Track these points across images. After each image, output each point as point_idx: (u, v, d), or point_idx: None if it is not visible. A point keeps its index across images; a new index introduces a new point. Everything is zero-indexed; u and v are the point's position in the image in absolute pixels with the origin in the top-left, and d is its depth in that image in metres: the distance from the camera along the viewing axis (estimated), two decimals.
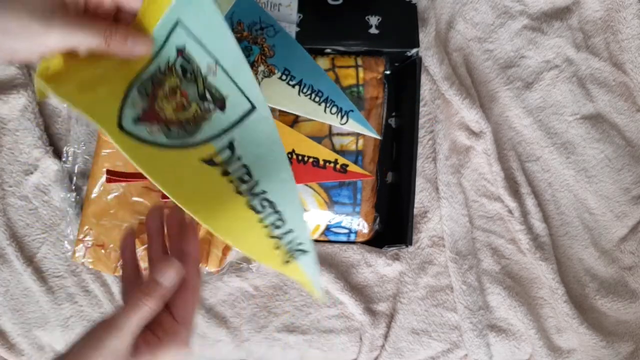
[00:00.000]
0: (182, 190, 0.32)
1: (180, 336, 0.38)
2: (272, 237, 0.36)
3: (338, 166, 0.64)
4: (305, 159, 0.64)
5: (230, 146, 0.34)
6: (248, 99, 0.34)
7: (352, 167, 0.64)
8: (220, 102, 0.34)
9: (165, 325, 0.38)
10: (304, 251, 0.37)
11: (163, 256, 0.38)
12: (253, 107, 0.34)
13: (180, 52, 0.33)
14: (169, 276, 0.37)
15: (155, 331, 0.38)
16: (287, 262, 0.37)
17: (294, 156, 0.63)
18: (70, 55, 0.31)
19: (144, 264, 0.61)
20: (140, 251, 0.61)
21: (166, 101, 0.33)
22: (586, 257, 0.71)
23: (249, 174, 0.34)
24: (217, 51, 0.32)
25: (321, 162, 0.64)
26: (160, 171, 0.31)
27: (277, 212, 0.35)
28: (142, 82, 0.32)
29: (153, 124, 0.33)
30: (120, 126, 0.31)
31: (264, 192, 0.35)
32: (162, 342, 0.37)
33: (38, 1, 0.31)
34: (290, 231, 0.36)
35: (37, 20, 0.30)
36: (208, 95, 0.34)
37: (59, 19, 0.31)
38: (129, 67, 0.32)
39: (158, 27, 0.31)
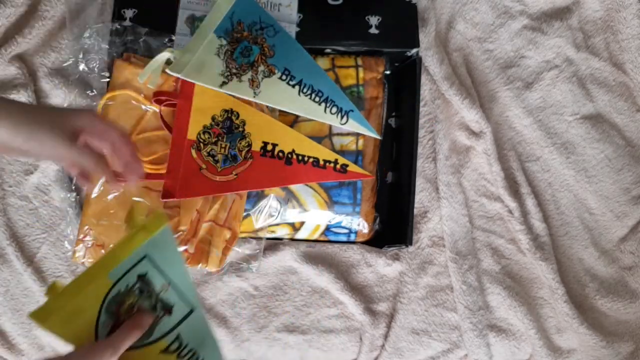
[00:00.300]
0: None
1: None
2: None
3: (338, 166, 0.64)
4: (306, 159, 0.63)
5: (178, 338, 0.45)
6: (190, 304, 0.46)
7: (352, 167, 0.64)
8: (168, 310, 0.45)
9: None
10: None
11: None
12: (192, 310, 0.46)
13: (141, 277, 0.43)
14: (147, 322, 0.43)
15: None
16: None
17: (294, 156, 0.63)
18: (54, 291, 0.40)
19: None
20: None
21: (126, 316, 0.43)
22: (586, 257, 0.71)
23: (195, 353, 0.47)
24: (171, 274, 0.43)
25: (321, 162, 0.64)
26: None
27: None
28: (107, 304, 0.41)
29: None
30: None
31: None
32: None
33: (64, 132, 0.45)
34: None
35: (62, 141, 0.45)
36: (159, 306, 0.44)
37: (71, 144, 0.45)
38: (97, 295, 0.41)
39: (126, 260, 0.41)
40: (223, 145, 0.62)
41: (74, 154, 0.46)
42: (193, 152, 0.61)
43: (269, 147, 0.63)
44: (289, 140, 0.64)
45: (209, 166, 0.61)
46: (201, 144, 0.62)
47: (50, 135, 0.44)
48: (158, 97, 0.61)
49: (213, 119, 0.63)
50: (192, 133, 0.62)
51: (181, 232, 0.61)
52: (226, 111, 0.63)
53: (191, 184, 0.60)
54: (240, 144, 0.63)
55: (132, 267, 0.42)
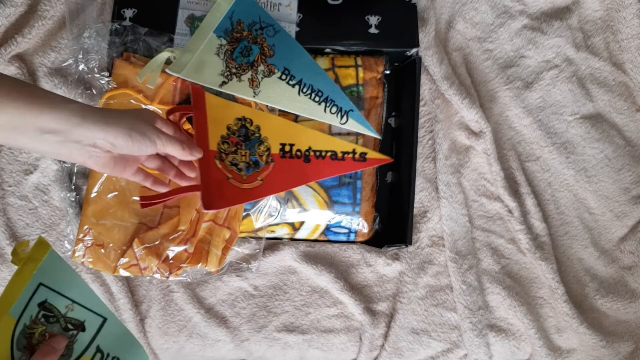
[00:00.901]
0: None
1: None
2: None
3: (357, 156, 0.65)
4: (324, 154, 0.64)
5: (99, 350, 0.46)
6: (101, 316, 0.47)
7: (372, 154, 0.65)
8: (81, 327, 0.45)
9: None
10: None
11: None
12: (105, 320, 0.47)
13: (42, 305, 0.43)
14: (63, 344, 0.42)
15: None
16: None
17: (312, 153, 0.64)
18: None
19: (143, 264, 0.61)
20: (140, 251, 0.61)
21: (40, 346, 0.42)
22: (586, 257, 0.71)
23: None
24: (72, 294, 0.44)
25: (339, 155, 0.65)
26: None
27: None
28: (17, 342, 0.41)
29: None
30: None
31: None
32: None
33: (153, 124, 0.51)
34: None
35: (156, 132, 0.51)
36: (70, 326, 0.45)
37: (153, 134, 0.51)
38: (3, 336, 0.41)
39: (22, 294, 0.41)
40: (243, 154, 0.62)
41: (166, 142, 0.50)
42: (217, 163, 0.61)
43: (287, 148, 0.64)
44: (305, 138, 0.64)
45: (235, 175, 0.61)
46: (223, 155, 0.61)
47: (149, 128, 0.49)
48: (173, 112, 0.59)
49: (229, 129, 0.63)
50: (212, 144, 0.61)
51: (181, 232, 0.61)
52: (239, 120, 0.63)
53: (224, 194, 0.60)
54: (260, 149, 0.63)
55: (30, 299, 0.42)
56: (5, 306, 0.41)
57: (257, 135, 0.63)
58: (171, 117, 0.58)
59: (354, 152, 0.65)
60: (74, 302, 0.45)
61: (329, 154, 0.64)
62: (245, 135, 0.63)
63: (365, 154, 0.65)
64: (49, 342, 0.42)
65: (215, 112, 0.62)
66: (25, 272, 0.42)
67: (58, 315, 0.44)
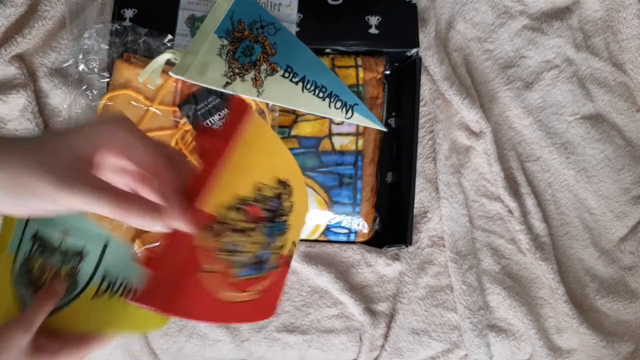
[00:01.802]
0: (89, 322, 0.41)
1: (79, 345, 0.39)
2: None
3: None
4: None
5: (106, 276, 0.42)
6: (100, 239, 0.42)
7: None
8: (80, 255, 0.41)
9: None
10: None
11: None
12: (105, 244, 0.42)
13: (34, 237, 0.40)
14: (62, 287, 0.40)
15: (53, 336, 0.39)
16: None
17: (289, 255, 0.42)
18: None
19: None
20: (141, 252, 0.61)
21: (42, 280, 0.40)
22: (586, 257, 0.71)
23: (128, 282, 0.42)
24: (64, 221, 0.40)
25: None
26: (74, 322, 0.41)
27: None
28: (16, 279, 0.40)
29: None
30: None
31: None
32: (63, 349, 0.38)
33: (62, 167, 0.30)
34: None
35: (60, 186, 0.29)
36: (69, 256, 0.41)
37: (81, 186, 0.30)
38: (3, 275, 0.39)
39: (15, 230, 0.39)
40: (255, 241, 0.37)
41: (85, 201, 0.30)
42: (200, 236, 0.34)
43: (293, 250, 0.42)
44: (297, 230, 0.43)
45: (220, 269, 0.35)
46: (224, 226, 0.35)
47: (39, 182, 0.29)
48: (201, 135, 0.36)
49: (258, 189, 0.37)
50: (212, 203, 0.34)
51: None
52: (281, 183, 0.39)
53: (178, 293, 0.33)
54: (277, 242, 0.39)
55: (22, 234, 0.40)
56: (0, 246, 0.40)
57: (284, 217, 0.39)
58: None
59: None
60: (66, 230, 0.41)
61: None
62: (275, 210, 0.39)
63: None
64: (47, 285, 0.40)
65: (249, 151, 0.36)
66: None
67: (52, 245, 0.41)
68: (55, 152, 0.30)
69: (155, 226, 0.31)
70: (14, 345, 0.36)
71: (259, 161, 0.37)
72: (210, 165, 0.33)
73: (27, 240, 0.40)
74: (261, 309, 0.40)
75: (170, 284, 0.32)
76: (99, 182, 0.31)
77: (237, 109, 0.36)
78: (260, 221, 0.37)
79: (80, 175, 0.30)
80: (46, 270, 0.41)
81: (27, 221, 0.40)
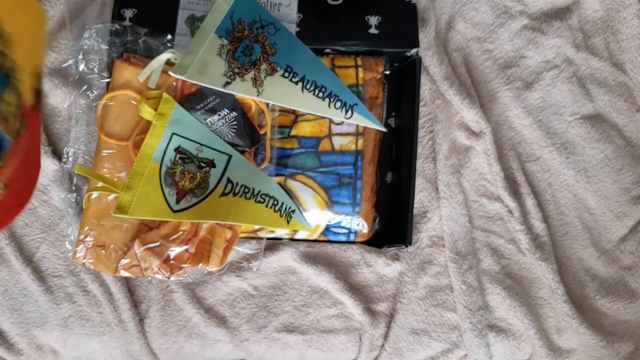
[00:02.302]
0: (219, 213, 0.57)
1: None
2: (275, 211, 0.62)
3: None
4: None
5: (229, 181, 0.58)
6: (225, 153, 0.59)
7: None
8: (211, 164, 0.58)
9: None
10: (293, 211, 0.64)
11: None
12: (230, 157, 0.59)
13: (177, 150, 0.56)
14: None
15: None
16: (288, 221, 0.63)
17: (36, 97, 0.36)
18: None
19: (144, 264, 0.61)
20: (141, 251, 0.61)
21: (182, 181, 0.56)
22: (586, 257, 0.71)
23: (247, 187, 0.60)
24: (199, 138, 0.56)
25: None
26: (206, 214, 0.56)
27: (271, 197, 0.62)
28: (164, 180, 0.55)
29: (185, 197, 0.56)
30: (174, 210, 0.55)
31: (259, 192, 0.61)
32: None
33: None
34: (282, 204, 0.63)
35: None
36: (202, 164, 0.57)
37: None
38: (152, 178, 0.54)
39: (160, 143, 0.55)
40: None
41: None
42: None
43: (40, 82, 0.34)
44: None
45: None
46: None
47: None
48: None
49: None
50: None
51: (182, 232, 0.61)
52: None
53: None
54: (9, 98, 0.26)
55: (167, 146, 0.55)
56: (147, 155, 0.55)
57: (3, 60, 0.27)
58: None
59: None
60: (201, 144, 0.57)
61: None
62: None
63: None
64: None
65: None
66: (158, 126, 0.54)
67: (191, 156, 0.56)
68: None
69: None
70: None
71: None
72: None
73: (170, 151, 0.55)
74: (18, 196, 0.30)
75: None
76: None
77: None
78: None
79: None
80: (185, 175, 0.56)
81: (171, 137, 0.55)
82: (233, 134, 0.63)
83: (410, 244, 0.64)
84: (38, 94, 0.32)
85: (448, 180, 0.70)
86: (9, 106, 0.25)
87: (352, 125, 0.67)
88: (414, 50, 0.67)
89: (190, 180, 0.57)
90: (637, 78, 0.72)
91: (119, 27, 0.65)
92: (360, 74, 0.68)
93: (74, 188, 0.66)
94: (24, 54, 0.26)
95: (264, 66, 0.64)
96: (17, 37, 0.24)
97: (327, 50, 0.69)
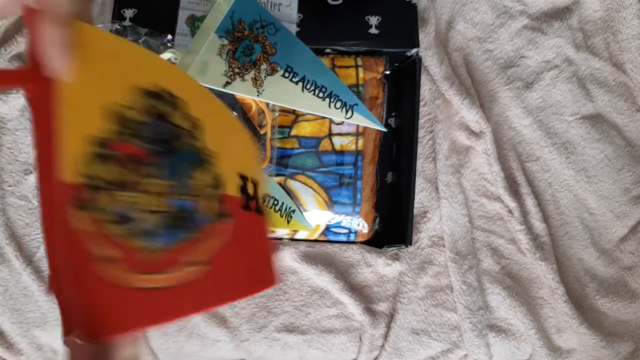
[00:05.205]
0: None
1: None
2: (276, 211, 0.62)
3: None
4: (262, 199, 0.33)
5: None
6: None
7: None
8: None
9: None
10: (293, 211, 0.63)
11: None
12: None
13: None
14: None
15: None
16: (288, 221, 0.62)
17: (243, 195, 0.30)
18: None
19: None
20: None
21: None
22: (586, 257, 0.71)
23: None
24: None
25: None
26: None
27: (271, 197, 0.61)
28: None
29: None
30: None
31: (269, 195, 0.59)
32: None
33: None
34: (282, 204, 0.62)
35: None
36: None
37: None
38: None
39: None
40: (154, 188, 0.25)
41: None
42: (75, 216, 0.23)
43: (251, 189, 0.30)
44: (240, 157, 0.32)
45: (126, 252, 0.24)
46: (93, 191, 0.23)
47: None
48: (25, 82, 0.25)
49: (120, 118, 0.25)
50: (70, 166, 0.23)
51: None
52: (153, 95, 0.26)
53: (85, 305, 0.23)
54: (198, 179, 0.27)
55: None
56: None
57: (190, 141, 0.27)
58: None
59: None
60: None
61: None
62: (163, 138, 0.26)
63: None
64: None
65: (85, 72, 0.23)
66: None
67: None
68: None
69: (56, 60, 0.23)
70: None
71: (103, 78, 0.24)
72: (46, 115, 0.23)
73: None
74: (227, 281, 0.26)
75: (70, 298, 0.22)
76: None
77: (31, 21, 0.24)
78: (144, 160, 0.25)
79: None
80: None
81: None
82: None
83: (410, 244, 0.64)
84: (250, 197, 0.28)
85: (448, 180, 0.70)
86: (202, 184, 0.26)
87: (352, 125, 0.67)
88: (414, 50, 0.67)
89: None
90: (637, 78, 0.72)
91: (119, 27, 0.65)
92: (361, 74, 0.68)
93: None
94: (220, 144, 0.27)
95: (264, 66, 0.64)
96: (209, 124, 0.26)
97: (327, 50, 0.69)
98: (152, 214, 0.24)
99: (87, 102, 0.23)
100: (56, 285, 0.23)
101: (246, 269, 0.27)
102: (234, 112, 0.63)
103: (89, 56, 0.23)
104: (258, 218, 0.29)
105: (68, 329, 0.22)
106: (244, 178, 0.28)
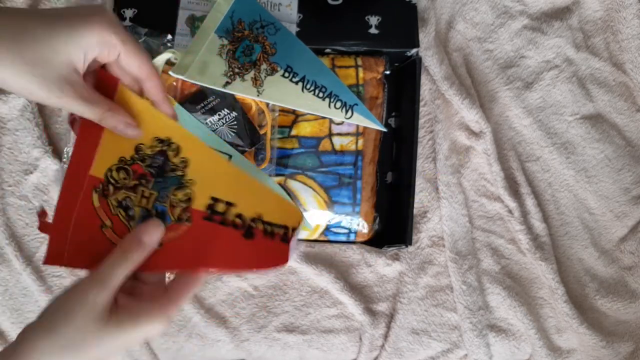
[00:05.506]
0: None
1: (162, 302, 0.36)
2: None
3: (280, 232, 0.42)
4: (276, 230, 0.42)
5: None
6: (226, 153, 0.56)
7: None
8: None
9: (143, 289, 0.38)
10: None
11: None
12: (230, 157, 0.56)
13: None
14: (155, 236, 0.38)
15: (134, 294, 0.37)
16: None
17: (260, 225, 0.42)
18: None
19: None
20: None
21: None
22: (586, 257, 0.71)
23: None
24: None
25: (289, 234, 0.42)
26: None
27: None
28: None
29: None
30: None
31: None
32: (143, 306, 0.36)
33: (52, 77, 0.34)
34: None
35: (50, 97, 0.34)
36: None
37: (67, 99, 0.35)
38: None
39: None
40: (146, 194, 0.41)
41: (75, 105, 0.35)
42: (95, 197, 0.40)
43: (221, 207, 0.41)
44: (255, 200, 0.42)
45: (117, 224, 0.40)
46: (110, 188, 0.41)
47: (33, 81, 0.33)
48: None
49: (137, 150, 0.41)
50: (99, 167, 0.41)
51: None
52: (161, 141, 0.42)
53: (86, 248, 0.40)
54: (176, 195, 0.41)
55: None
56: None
57: (179, 172, 0.42)
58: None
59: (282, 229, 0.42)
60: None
61: (279, 231, 0.41)
62: (160, 167, 0.42)
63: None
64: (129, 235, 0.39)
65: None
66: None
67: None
68: (44, 58, 0.33)
69: (128, 131, 0.39)
70: (87, 304, 0.34)
71: (136, 122, 0.41)
72: (94, 133, 0.40)
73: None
74: (162, 260, 0.40)
75: (77, 243, 0.40)
76: (84, 94, 0.36)
77: (105, 83, 0.40)
78: (146, 177, 0.41)
79: (67, 86, 0.34)
80: None
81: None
82: (233, 134, 0.63)
83: (410, 244, 0.64)
84: (216, 213, 0.41)
85: (448, 180, 0.70)
86: (177, 199, 0.41)
87: (352, 125, 0.67)
88: (414, 50, 0.67)
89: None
90: (637, 78, 0.72)
91: None
92: (361, 74, 0.68)
93: None
94: (198, 175, 0.42)
95: (264, 66, 0.64)
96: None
97: (327, 50, 0.69)
98: (139, 209, 0.41)
99: (124, 139, 0.40)
100: (57, 237, 0.40)
101: (193, 258, 0.40)
102: (234, 112, 0.63)
103: (133, 112, 0.40)
104: (220, 228, 0.41)
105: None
106: (215, 199, 0.41)
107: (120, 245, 0.37)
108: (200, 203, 0.41)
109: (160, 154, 0.42)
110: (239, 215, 0.41)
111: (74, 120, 0.41)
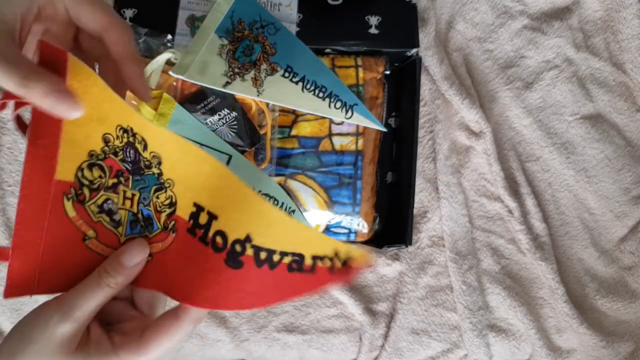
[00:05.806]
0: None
1: (133, 348, 0.30)
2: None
3: (337, 263, 0.30)
4: (276, 257, 0.30)
5: None
6: (226, 153, 0.58)
7: (357, 255, 0.30)
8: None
9: (128, 315, 0.33)
10: (293, 211, 0.62)
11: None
12: (230, 157, 0.58)
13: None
14: (137, 258, 0.32)
15: (120, 319, 0.32)
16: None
17: (249, 249, 0.30)
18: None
19: None
20: None
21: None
22: (586, 257, 0.71)
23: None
24: (200, 139, 0.51)
25: (307, 262, 0.30)
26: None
27: (271, 197, 0.60)
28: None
29: None
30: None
31: (259, 191, 0.59)
32: (113, 348, 0.30)
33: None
34: (282, 204, 0.61)
35: None
36: None
37: None
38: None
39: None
40: (128, 195, 0.34)
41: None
42: (68, 206, 0.32)
43: (203, 219, 0.32)
44: (245, 215, 0.31)
45: (102, 232, 0.33)
46: (85, 191, 0.32)
47: None
48: (5, 99, 0.31)
49: (106, 141, 0.33)
50: (65, 169, 0.32)
51: None
52: (125, 131, 0.33)
53: (66, 268, 0.32)
54: (159, 198, 0.33)
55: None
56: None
57: (154, 170, 0.33)
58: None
59: (335, 258, 0.30)
60: (201, 144, 0.54)
61: (286, 260, 0.30)
62: (134, 161, 0.33)
63: (349, 258, 0.30)
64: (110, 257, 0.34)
65: (85, 102, 0.31)
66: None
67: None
68: None
69: (64, 104, 0.29)
70: (48, 332, 0.28)
71: (98, 110, 0.31)
72: (51, 129, 0.31)
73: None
74: (151, 275, 0.33)
75: (52, 264, 0.31)
76: (5, 49, 0.28)
77: (49, 59, 0.29)
78: (122, 174, 0.33)
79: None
80: None
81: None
82: (233, 134, 0.63)
83: (410, 244, 0.64)
84: (199, 225, 0.32)
85: (448, 180, 0.70)
86: (162, 202, 0.33)
87: (352, 125, 0.67)
88: (414, 50, 0.67)
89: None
90: (637, 78, 0.72)
91: None
92: (361, 74, 0.68)
93: None
94: (177, 173, 0.33)
95: (264, 66, 0.64)
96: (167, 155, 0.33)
97: (327, 50, 0.69)
98: (125, 212, 0.34)
99: (89, 126, 0.32)
100: (21, 261, 0.32)
101: (178, 281, 0.32)
102: (234, 112, 0.63)
103: (88, 98, 0.31)
104: (200, 247, 0.31)
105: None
106: (199, 207, 0.32)
107: (99, 267, 0.31)
108: (183, 211, 0.32)
109: (129, 145, 0.33)
110: (220, 233, 0.30)
111: (18, 117, 0.33)
